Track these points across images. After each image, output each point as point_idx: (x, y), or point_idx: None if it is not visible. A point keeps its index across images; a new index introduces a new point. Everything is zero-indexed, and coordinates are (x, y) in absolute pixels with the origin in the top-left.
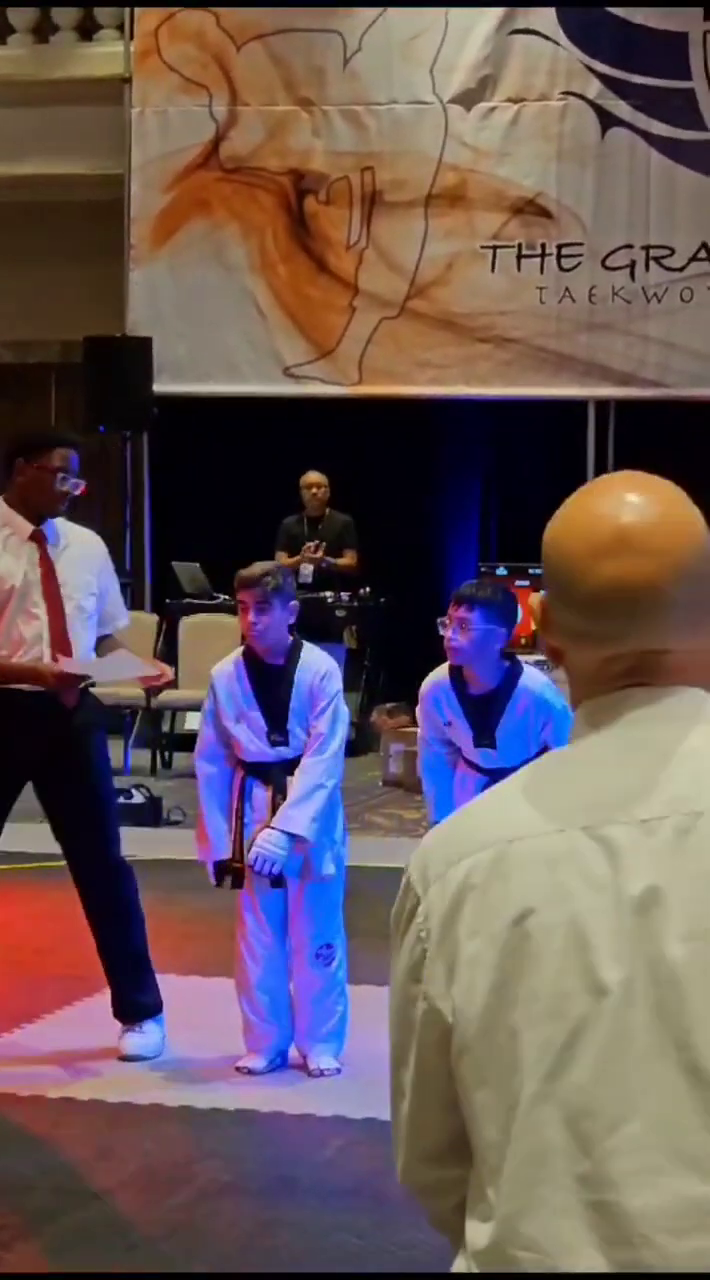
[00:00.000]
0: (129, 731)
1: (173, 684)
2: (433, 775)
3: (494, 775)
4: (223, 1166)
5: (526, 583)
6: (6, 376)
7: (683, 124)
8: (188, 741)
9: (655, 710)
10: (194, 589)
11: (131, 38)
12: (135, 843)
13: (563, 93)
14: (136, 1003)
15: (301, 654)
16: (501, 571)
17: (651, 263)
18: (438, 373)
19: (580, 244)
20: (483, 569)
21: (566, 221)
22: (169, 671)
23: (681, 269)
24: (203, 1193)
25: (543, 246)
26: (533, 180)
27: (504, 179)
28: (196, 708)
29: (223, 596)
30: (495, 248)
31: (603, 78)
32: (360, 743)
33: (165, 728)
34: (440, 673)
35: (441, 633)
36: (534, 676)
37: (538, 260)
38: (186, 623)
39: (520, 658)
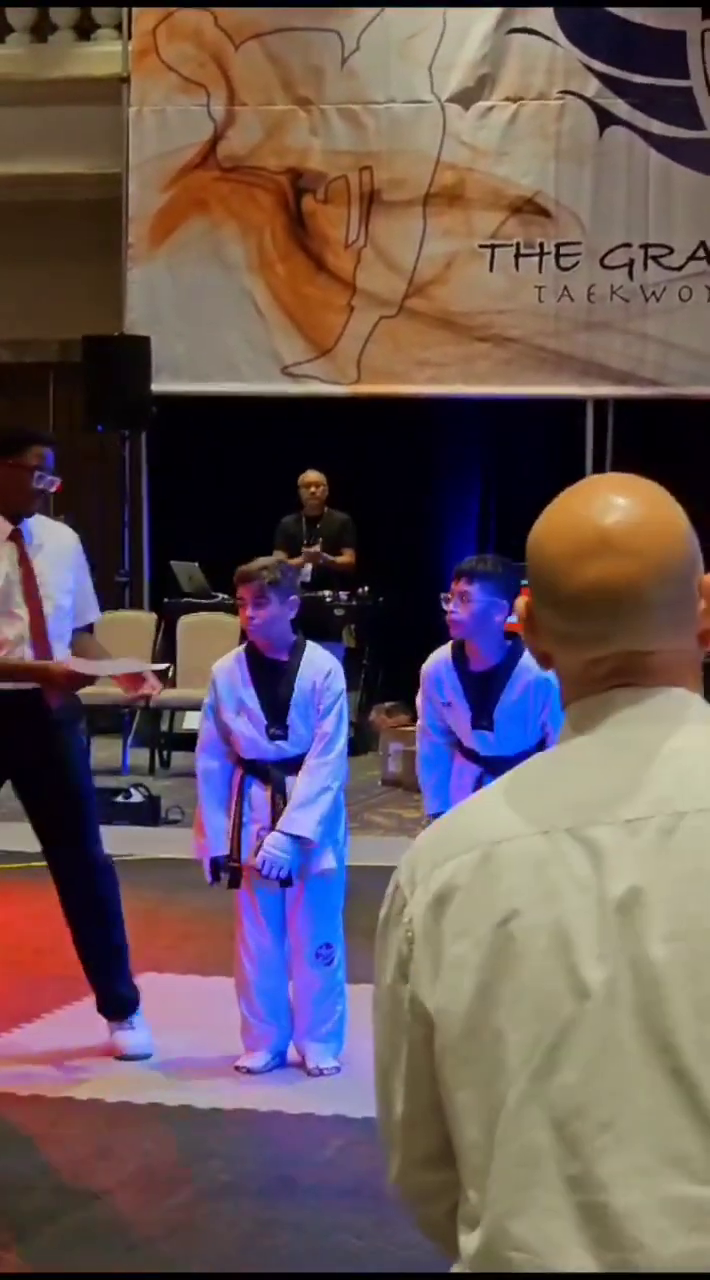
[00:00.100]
0: (127, 730)
1: (171, 683)
2: (430, 765)
3: (491, 765)
4: (222, 1166)
5: (525, 581)
6: (4, 376)
7: (681, 123)
8: (186, 741)
9: (640, 711)
10: (192, 588)
11: (129, 37)
12: (134, 842)
13: (561, 92)
14: (122, 997)
15: (305, 651)
16: None
17: (650, 262)
18: (436, 372)
19: (578, 243)
20: None
21: (565, 220)
22: (158, 689)
23: (680, 268)
24: (202, 1193)
25: (541, 245)
26: (531, 179)
27: (502, 178)
28: (195, 707)
29: (221, 595)
30: (493, 247)
31: (601, 77)
32: (359, 742)
33: (164, 727)
34: (443, 651)
35: (444, 608)
36: None
37: (536, 259)
38: (185, 622)
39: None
